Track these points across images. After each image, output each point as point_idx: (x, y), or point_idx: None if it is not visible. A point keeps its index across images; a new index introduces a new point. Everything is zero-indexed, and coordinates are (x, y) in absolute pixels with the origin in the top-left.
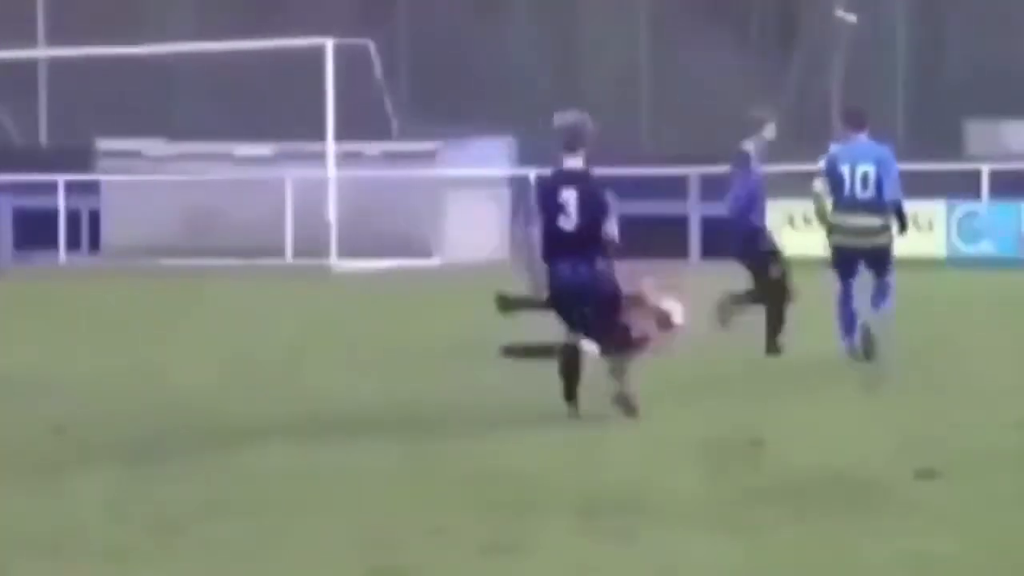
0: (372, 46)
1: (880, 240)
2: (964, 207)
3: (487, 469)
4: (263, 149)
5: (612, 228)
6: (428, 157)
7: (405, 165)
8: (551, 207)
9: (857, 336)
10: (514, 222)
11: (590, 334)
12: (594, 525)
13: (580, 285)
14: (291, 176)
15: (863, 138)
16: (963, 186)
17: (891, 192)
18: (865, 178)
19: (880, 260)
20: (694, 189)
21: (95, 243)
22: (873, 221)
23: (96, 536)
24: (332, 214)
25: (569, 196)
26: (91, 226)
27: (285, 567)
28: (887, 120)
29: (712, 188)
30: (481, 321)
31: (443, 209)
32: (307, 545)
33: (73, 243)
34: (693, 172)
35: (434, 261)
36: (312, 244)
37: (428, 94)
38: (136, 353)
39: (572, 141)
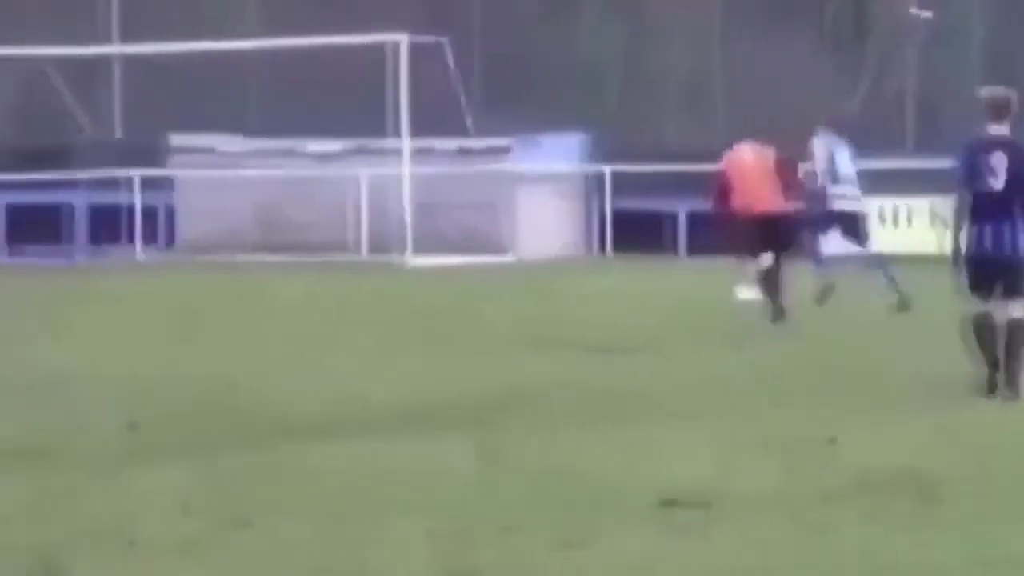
0: (447, 43)
1: None
2: None
3: (559, 466)
4: (336, 145)
5: None
6: (502, 153)
7: (479, 161)
8: (979, 170)
9: None
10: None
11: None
12: (666, 521)
13: (999, 256)
14: (365, 172)
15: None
16: None
17: None
18: None
19: None
20: None
21: (170, 238)
22: None
23: (167, 530)
24: (407, 210)
25: (999, 159)
26: (166, 221)
27: (357, 567)
28: (963, 117)
29: None
30: (555, 317)
31: (516, 205)
32: (380, 544)
33: (148, 238)
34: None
35: (508, 257)
36: (386, 240)
37: (501, 91)
38: (210, 349)
39: (1000, 111)
